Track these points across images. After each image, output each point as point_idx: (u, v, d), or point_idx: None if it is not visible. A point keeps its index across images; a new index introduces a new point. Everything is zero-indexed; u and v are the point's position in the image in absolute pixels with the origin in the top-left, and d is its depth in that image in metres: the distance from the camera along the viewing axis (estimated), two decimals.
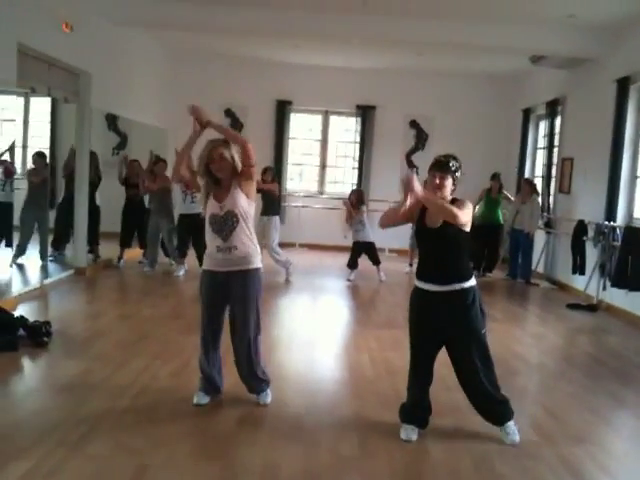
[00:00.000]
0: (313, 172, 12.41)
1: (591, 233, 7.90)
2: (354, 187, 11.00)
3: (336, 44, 9.73)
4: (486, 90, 11.66)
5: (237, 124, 11.72)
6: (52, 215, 7.79)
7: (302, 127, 12.32)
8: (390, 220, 3.59)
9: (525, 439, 3.59)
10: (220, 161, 3.63)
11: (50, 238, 7.70)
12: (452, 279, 3.40)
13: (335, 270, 9.40)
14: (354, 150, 12.06)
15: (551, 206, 9.58)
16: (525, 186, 9.37)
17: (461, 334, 3.45)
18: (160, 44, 10.60)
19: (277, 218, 8.41)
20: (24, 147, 7.51)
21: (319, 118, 12.27)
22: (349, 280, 8.59)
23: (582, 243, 8.03)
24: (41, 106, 7.88)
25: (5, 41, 5.82)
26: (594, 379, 4.92)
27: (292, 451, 3.34)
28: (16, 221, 7.10)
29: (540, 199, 9.44)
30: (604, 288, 7.56)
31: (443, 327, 3.45)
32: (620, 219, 7.59)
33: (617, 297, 7.32)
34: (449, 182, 3.41)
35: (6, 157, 6.81)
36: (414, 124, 11.93)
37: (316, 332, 5.99)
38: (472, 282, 3.45)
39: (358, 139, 11.95)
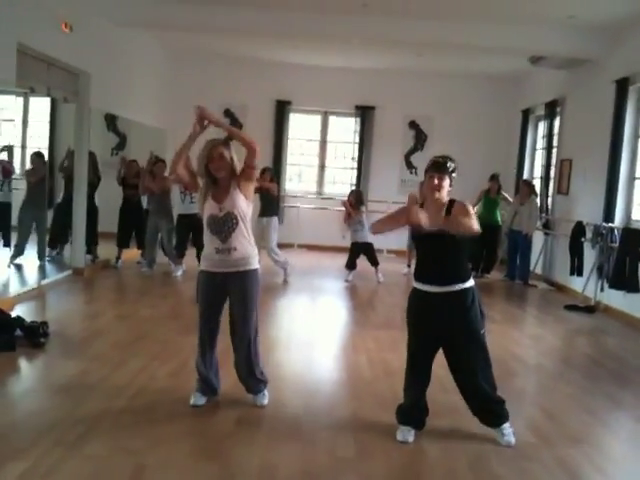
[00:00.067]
0: (312, 173, 12.42)
1: (589, 234, 7.90)
2: (353, 188, 11.01)
3: (335, 45, 9.75)
4: (485, 91, 11.66)
5: (236, 124, 11.71)
6: (50, 215, 7.79)
7: (301, 127, 12.32)
8: (385, 228, 3.61)
9: (522, 440, 3.59)
10: (219, 160, 3.63)
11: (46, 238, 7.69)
12: (451, 280, 3.41)
13: (333, 271, 9.40)
14: (353, 151, 12.07)
15: (549, 207, 9.59)
16: (524, 187, 9.38)
17: (460, 335, 3.45)
18: (160, 44, 10.60)
19: (276, 219, 8.40)
20: (23, 147, 7.52)
21: (318, 118, 12.27)
22: (347, 281, 8.60)
23: (580, 244, 8.03)
24: (40, 106, 7.88)
25: (5, 41, 5.82)
26: (592, 380, 4.93)
27: (289, 452, 3.34)
28: (14, 221, 7.09)
29: (538, 200, 9.46)
30: (602, 289, 7.57)
31: (442, 328, 3.46)
32: (618, 220, 7.59)
33: (615, 298, 7.33)
34: (447, 183, 3.41)
35: (3, 157, 6.79)
36: (413, 125, 11.94)
37: (314, 333, 5.99)
38: (471, 282, 3.46)
39: (357, 140, 11.96)
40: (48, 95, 7.32)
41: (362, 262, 8.76)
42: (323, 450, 3.38)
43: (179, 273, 8.21)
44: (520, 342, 6.06)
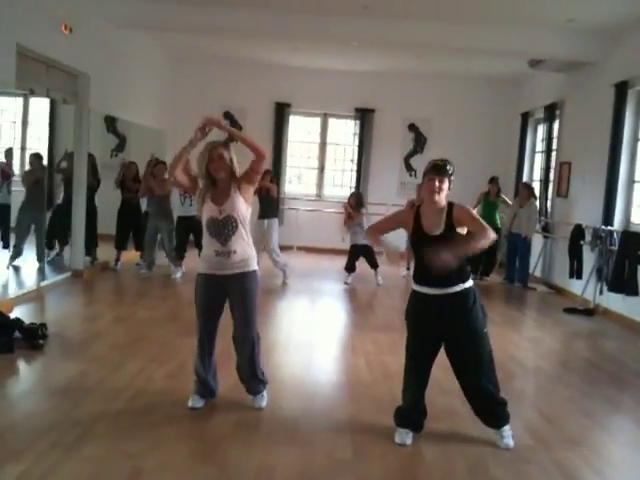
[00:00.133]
0: (311, 175, 12.42)
1: (588, 237, 7.91)
2: (353, 190, 11.03)
3: (335, 47, 9.76)
4: (485, 93, 11.67)
5: (236, 126, 11.71)
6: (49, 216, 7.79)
7: (301, 130, 12.32)
8: (380, 233, 3.67)
9: (520, 443, 3.59)
10: (219, 161, 3.64)
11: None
12: (452, 282, 3.41)
13: (333, 273, 9.40)
14: (352, 153, 12.07)
15: (549, 210, 9.59)
16: (523, 190, 9.39)
17: (464, 335, 3.45)
18: (160, 46, 10.61)
19: (276, 220, 8.39)
20: (22, 149, 7.51)
21: (318, 121, 12.28)
22: (346, 283, 8.59)
23: (579, 247, 8.04)
24: (40, 107, 7.88)
25: (4, 42, 5.83)
26: (590, 384, 4.93)
27: (287, 454, 3.34)
28: (13, 223, 7.09)
29: (538, 203, 9.46)
30: (601, 292, 7.57)
31: (444, 329, 3.46)
32: (617, 223, 7.59)
33: (614, 301, 7.33)
34: (446, 186, 3.42)
35: (1, 159, 6.80)
36: (413, 127, 11.95)
37: (313, 335, 5.99)
38: (471, 282, 3.48)
39: (357, 142, 11.96)
40: (47, 96, 7.32)
41: (361, 264, 8.76)
42: (321, 452, 3.38)
43: (178, 275, 8.21)
44: (519, 345, 6.06)
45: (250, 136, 3.76)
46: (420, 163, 11.67)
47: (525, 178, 10.65)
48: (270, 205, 8.24)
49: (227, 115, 11.74)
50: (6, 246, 7.02)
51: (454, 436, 3.68)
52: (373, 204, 10.65)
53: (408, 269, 9.52)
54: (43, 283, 7.04)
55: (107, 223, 8.48)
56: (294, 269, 8.69)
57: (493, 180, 9.74)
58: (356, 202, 8.78)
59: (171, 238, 8.42)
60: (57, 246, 8.24)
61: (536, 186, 9.93)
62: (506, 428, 3.58)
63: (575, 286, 8.30)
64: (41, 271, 7.25)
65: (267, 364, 4.36)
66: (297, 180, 12.64)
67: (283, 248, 9.76)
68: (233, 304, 3.80)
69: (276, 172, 11.05)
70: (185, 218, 8.22)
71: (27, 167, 7.34)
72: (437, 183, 3.39)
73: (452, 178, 3.45)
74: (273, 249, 8.18)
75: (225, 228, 3.66)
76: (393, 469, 3.28)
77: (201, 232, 3.86)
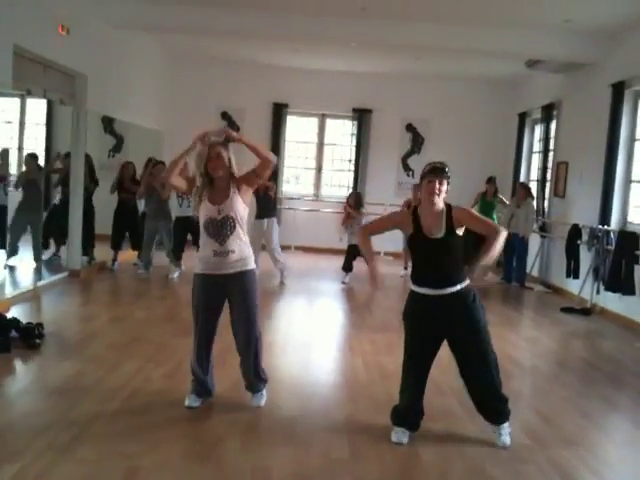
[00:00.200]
0: (309, 175, 12.42)
1: (585, 237, 7.92)
2: (351, 190, 11.04)
3: (333, 48, 9.75)
4: (482, 94, 11.68)
5: (234, 127, 11.73)
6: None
7: (298, 130, 12.32)
8: (371, 233, 3.67)
9: (517, 442, 3.59)
10: (217, 159, 3.63)
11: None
12: (451, 282, 3.41)
13: (330, 273, 9.40)
14: (350, 153, 12.07)
15: (546, 210, 9.60)
16: (520, 190, 9.40)
17: (468, 332, 3.45)
18: (157, 46, 10.59)
19: (275, 220, 8.38)
20: (20, 149, 7.50)
21: (315, 121, 12.28)
22: (344, 283, 8.59)
23: (576, 247, 8.05)
24: (37, 108, 7.87)
25: (1, 43, 5.81)
26: (587, 383, 4.93)
27: (284, 453, 3.34)
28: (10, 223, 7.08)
29: (535, 203, 9.47)
30: (598, 292, 7.58)
31: (445, 328, 3.45)
32: (614, 223, 7.61)
33: (611, 301, 7.34)
34: (445, 188, 3.42)
35: None
36: (410, 128, 11.96)
37: (311, 335, 5.99)
38: (468, 281, 3.48)
39: (354, 142, 11.97)
40: (44, 97, 7.31)
41: (359, 264, 8.74)
42: (318, 452, 3.38)
43: (175, 275, 8.21)
44: (516, 344, 6.06)
45: (261, 144, 3.76)
46: (417, 163, 11.70)
47: (522, 178, 10.66)
48: (268, 205, 8.22)
49: (225, 116, 11.75)
50: (2, 247, 7.01)
51: (451, 436, 3.69)
52: (371, 204, 10.62)
53: (405, 269, 9.54)
54: (40, 283, 7.03)
55: (105, 223, 8.46)
56: (292, 269, 8.69)
57: (490, 180, 9.75)
58: (355, 202, 8.79)
59: (170, 238, 8.40)
60: (53, 246, 8.21)
61: (533, 186, 9.94)
62: (505, 425, 3.59)
63: (572, 286, 8.31)
64: (38, 271, 7.24)
65: (265, 364, 4.36)
66: (295, 180, 12.63)
67: (281, 248, 9.77)
68: (233, 304, 3.79)
69: (274, 172, 11.00)
70: (183, 218, 8.22)
71: (23, 168, 7.33)
72: (437, 185, 3.38)
73: (449, 180, 3.46)
74: (275, 248, 8.17)
75: (223, 228, 3.65)
76: (390, 469, 3.28)
77: (199, 231, 3.86)
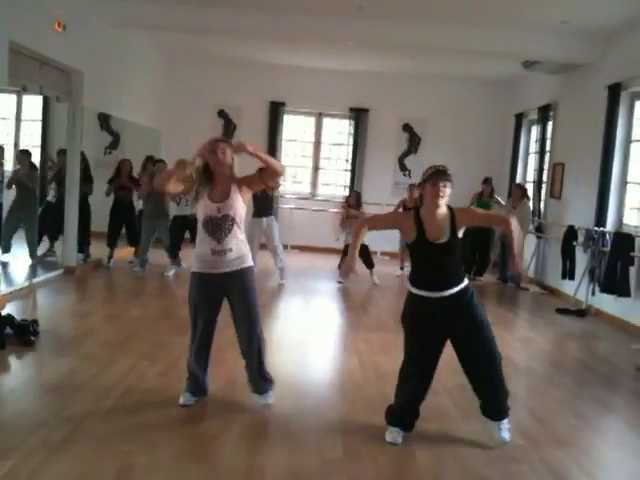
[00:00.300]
0: (306, 174, 12.41)
1: (581, 238, 7.93)
2: (350, 189, 11.05)
3: (330, 47, 9.74)
4: (479, 94, 11.70)
5: (230, 125, 11.74)
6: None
7: (295, 129, 12.31)
8: (369, 228, 3.66)
9: (511, 443, 3.60)
10: (223, 155, 3.62)
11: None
12: (451, 284, 3.42)
13: (326, 272, 9.40)
14: (347, 153, 12.07)
15: (542, 211, 9.61)
16: (516, 190, 9.41)
17: (470, 331, 3.44)
18: (154, 44, 10.57)
19: (274, 218, 8.36)
20: (16, 145, 7.48)
21: (312, 120, 12.27)
22: (340, 282, 8.59)
23: (572, 248, 8.06)
24: (33, 105, 7.85)
25: None
26: (582, 384, 4.94)
27: (278, 453, 3.33)
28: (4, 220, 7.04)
29: (531, 204, 9.48)
30: (593, 293, 7.59)
31: (446, 328, 3.45)
32: (610, 225, 7.62)
33: (606, 302, 7.35)
34: (449, 191, 3.41)
35: None
36: (407, 127, 11.96)
37: (306, 334, 5.99)
38: (467, 281, 3.50)
39: (351, 142, 11.97)
40: (40, 94, 7.29)
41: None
42: (311, 451, 3.37)
43: (171, 273, 8.19)
44: (511, 345, 6.06)
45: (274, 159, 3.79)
46: (414, 163, 11.74)
47: (519, 179, 10.69)
48: (266, 203, 8.18)
49: (222, 114, 11.75)
50: None
51: (445, 436, 3.69)
52: (367, 204, 10.64)
53: (402, 269, 9.54)
54: (35, 280, 7.01)
55: (101, 221, 8.45)
56: (288, 268, 8.68)
57: (487, 181, 9.77)
58: (357, 202, 8.82)
59: (168, 237, 8.38)
60: (47, 242, 8.17)
61: (529, 187, 9.96)
62: (505, 421, 3.60)
63: (568, 287, 8.33)
64: (33, 268, 7.22)
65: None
66: (292, 179, 12.62)
67: None
68: (234, 303, 3.78)
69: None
70: (181, 217, 8.21)
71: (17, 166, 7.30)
72: (442, 187, 3.36)
73: (452, 183, 3.46)
74: (277, 245, 8.15)
75: (222, 226, 3.64)
76: (384, 468, 3.28)
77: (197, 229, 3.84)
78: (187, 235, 8.36)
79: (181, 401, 3.82)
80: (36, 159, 7.62)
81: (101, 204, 8.44)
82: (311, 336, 5.93)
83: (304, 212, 11.69)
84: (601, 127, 7.69)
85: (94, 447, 3.22)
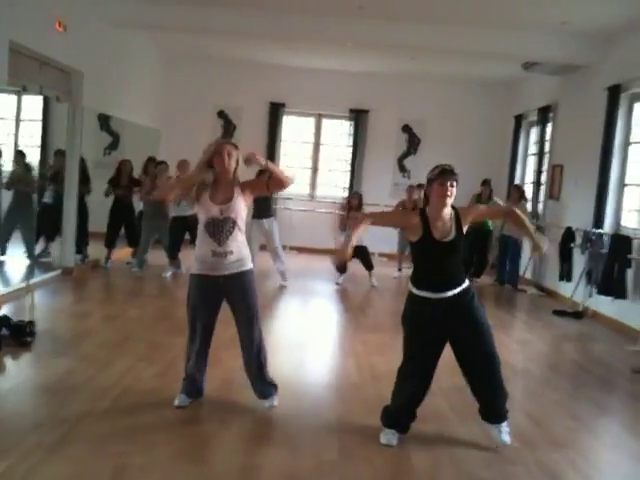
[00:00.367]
0: (305, 175, 12.41)
1: (579, 240, 7.93)
2: (352, 191, 11.02)
3: (330, 47, 9.74)
4: (479, 96, 11.71)
5: (230, 126, 11.74)
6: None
7: (295, 130, 12.32)
8: (373, 224, 3.64)
9: (507, 444, 3.59)
10: (228, 157, 3.61)
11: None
12: (453, 285, 3.42)
13: (325, 273, 9.39)
14: (346, 154, 12.07)
15: (540, 212, 9.62)
16: (514, 192, 9.40)
17: (470, 333, 3.45)
18: (154, 45, 10.58)
19: (274, 219, 8.35)
20: (16, 146, 7.46)
21: (312, 121, 12.27)
22: (338, 284, 8.59)
23: (570, 250, 8.07)
24: (34, 105, 7.84)
25: None
26: (579, 386, 4.94)
27: (274, 453, 3.34)
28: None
29: (529, 205, 9.49)
30: (590, 295, 7.60)
31: (447, 329, 3.45)
32: (608, 227, 7.62)
33: (603, 304, 7.35)
34: (455, 190, 3.42)
35: None
36: (407, 128, 11.97)
37: (304, 335, 6.00)
38: (467, 282, 3.51)
39: (351, 143, 11.97)
40: (40, 94, 7.29)
41: (354, 264, 8.73)
42: (308, 452, 3.38)
43: (168, 274, 8.19)
44: (508, 347, 6.05)
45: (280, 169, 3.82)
46: (413, 164, 11.75)
47: (518, 180, 10.69)
48: (266, 204, 8.17)
49: (221, 114, 11.76)
50: None
51: (440, 438, 3.69)
52: (366, 205, 10.63)
53: (399, 270, 9.55)
54: (32, 280, 6.99)
55: (99, 221, 8.44)
56: (287, 269, 8.67)
57: (485, 182, 9.76)
58: (358, 203, 8.84)
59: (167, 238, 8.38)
60: (43, 242, 8.16)
61: (528, 188, 9.97)
62: (504, 424, 3.60)
63: (565, 289, 8.33)
64: (30, 268, 7.21)
65: None
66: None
67: None
68: (234, 305, 3.78)
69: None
70: (181, 218, 8.19)
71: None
72: (450, 187, 3.37)
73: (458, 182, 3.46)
74: (277, 247, 8.14)
75: (224, 228, 3.64)
76: (379, 471, 3.28)
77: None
78: (187, 236, 8.36)
79: (176, 403, 3.82)
80: (36, 159, 7.62)
81: (100, 204, 8.44)
82: (309, 337, 5.94)
83: (303, 213, 11.70)
84: (600, 129, 7.69)
85: (90, 448, 3.23)
